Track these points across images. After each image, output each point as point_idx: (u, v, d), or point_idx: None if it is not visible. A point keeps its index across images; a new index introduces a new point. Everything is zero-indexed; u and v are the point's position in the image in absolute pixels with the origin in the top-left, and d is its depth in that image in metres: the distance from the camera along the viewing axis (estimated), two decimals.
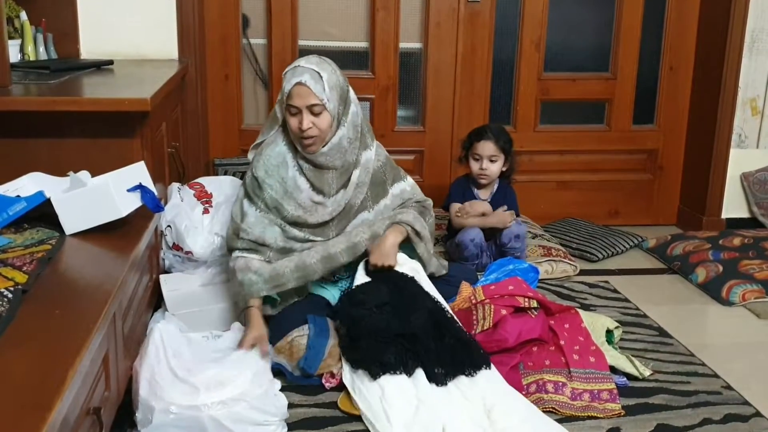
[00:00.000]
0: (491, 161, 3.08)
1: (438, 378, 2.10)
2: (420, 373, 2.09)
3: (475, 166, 3.11)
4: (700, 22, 3.76)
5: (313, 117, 2.25)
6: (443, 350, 2.15)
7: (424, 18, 3.64)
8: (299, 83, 2.24)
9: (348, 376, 2.14)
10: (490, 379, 2.13)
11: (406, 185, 2.57)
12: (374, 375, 2.06)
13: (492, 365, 2.18)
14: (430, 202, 2.62)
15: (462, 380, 2.12)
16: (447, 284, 2.58)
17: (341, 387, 2.17)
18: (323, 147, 2.30)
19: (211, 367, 1.95)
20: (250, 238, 2.34)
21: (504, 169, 3.13)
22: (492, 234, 3.08)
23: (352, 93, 2.39)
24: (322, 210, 2.38)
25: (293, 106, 2.26)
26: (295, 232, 2.38)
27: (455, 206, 3.14)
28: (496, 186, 3.18)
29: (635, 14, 3.74)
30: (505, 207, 3.09)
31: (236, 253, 2.35)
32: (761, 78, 3.69)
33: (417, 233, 2.47)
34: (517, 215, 3.13)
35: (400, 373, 2.07)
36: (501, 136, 3.10)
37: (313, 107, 2.25)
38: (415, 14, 3.65)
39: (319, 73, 2.25)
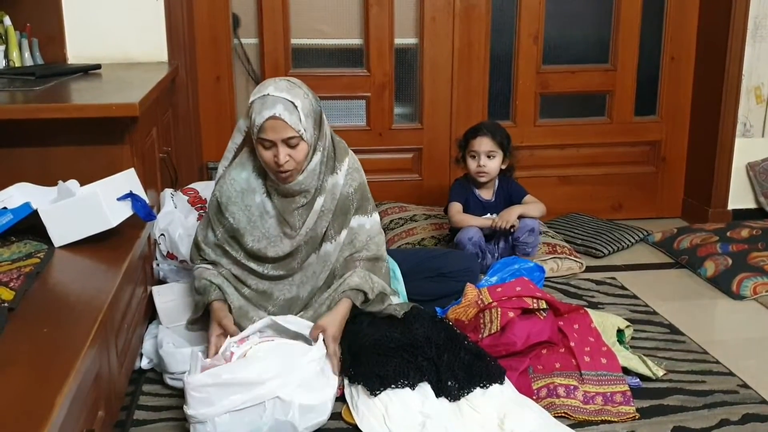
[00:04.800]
0: (489, 157, 2.97)
1: (451, 391, 2.01)
2: (426, 387, 2.00)
3: (472, 164, 3.00)
4: (702, 10, 3.69)
5: (290, 149, 2.05)
6: (458, 364, 2.06)
7: (418, 13, 3.57)
8: (273, 117, 2.01)
9: (347, 390, 2.06)
10: (501, 387, 2.05)
11: (368, 222, 2.27)
12: (373, 390, 1.97)
13: (507, 379, 2.09)
14: (383, 253, 2.33)
15: (473, 392, 2.03)
16: (449, 279, 2.51)
17: (344, 398, 2.08)
18: (299, 176, 2.12)
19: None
20: (207, 258, 2.25)
21: (503, 167, 3.03)
22: (494, 235, 3.01)
23: (323, 114, 2.20)
24: (287, 242, 2.18)
25: (267, 140, 2.05)
26: (253, 266, 2.20)
27: (455, 206, 3.04)
28: (497, 184, 3.09)
29: (635, 3, 3.66)
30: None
31: (197, 263, 2.27)
32: (765, 65, 3.61)
33: (367, 299, 2.20)
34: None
35: (402, 387, 1.98)
36: (497, 131, 3.01)
37: (290, 140, 2.03)
38: (409, 9, 3.58)
39: (292, 102, 2.03)
